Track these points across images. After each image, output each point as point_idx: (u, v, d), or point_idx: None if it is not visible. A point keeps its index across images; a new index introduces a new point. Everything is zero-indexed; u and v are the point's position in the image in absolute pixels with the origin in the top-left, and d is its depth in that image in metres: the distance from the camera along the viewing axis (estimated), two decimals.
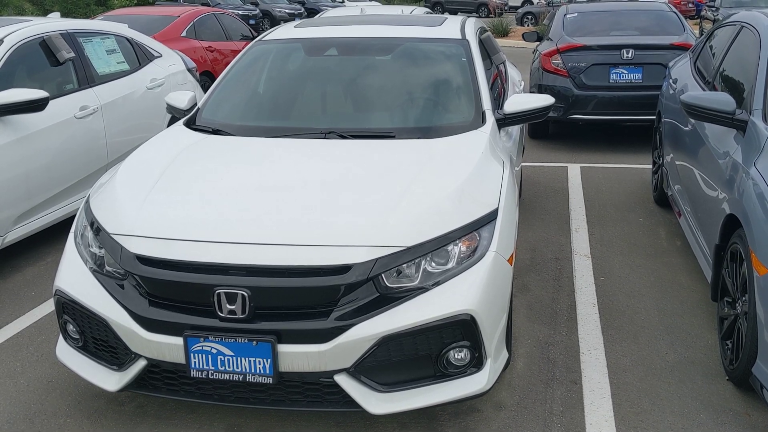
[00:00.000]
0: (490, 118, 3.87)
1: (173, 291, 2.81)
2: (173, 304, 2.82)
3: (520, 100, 4.02)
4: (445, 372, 2.86)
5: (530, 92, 8.44)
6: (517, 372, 3.53)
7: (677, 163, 5.06)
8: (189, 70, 7.15)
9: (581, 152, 7.88)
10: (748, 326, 3.10)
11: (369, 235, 2.82)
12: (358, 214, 2.91)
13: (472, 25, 4.76)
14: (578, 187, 6.62)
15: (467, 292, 2.82)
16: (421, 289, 2.80)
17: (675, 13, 8.44)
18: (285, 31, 4.68)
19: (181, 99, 4.28)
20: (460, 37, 4.41)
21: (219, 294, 2.72)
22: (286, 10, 30.93)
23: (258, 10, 29.05)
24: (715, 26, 5.55)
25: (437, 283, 2.82)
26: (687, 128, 4.79)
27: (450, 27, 4.57)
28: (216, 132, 3.87)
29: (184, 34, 9.68)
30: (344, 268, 2.74)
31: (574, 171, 7.16)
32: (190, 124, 4.04)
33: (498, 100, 4.46)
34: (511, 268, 3.11)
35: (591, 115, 7.89)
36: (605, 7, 8.75)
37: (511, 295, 3.18)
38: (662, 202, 5.85)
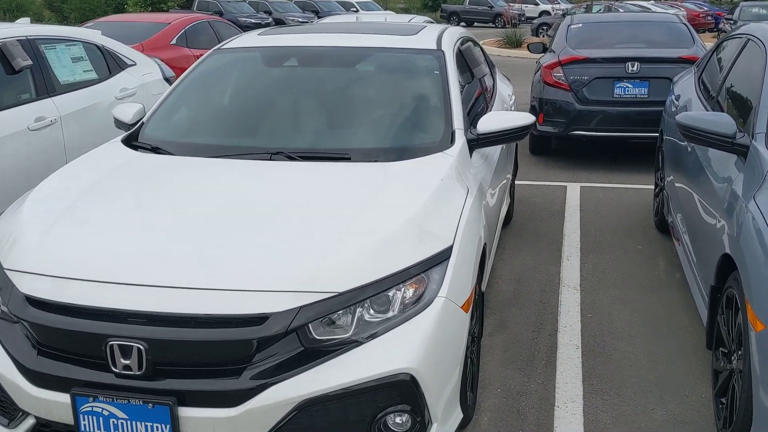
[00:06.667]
0: (460, 139, 3.45)
1: (63, 340, 2.42)
2: (64, 355, 2.43)
3: (495, 119, 3.60)
4: None
5: (530, 106, 8.02)
6: (481, 427, 3.10)
7: (677, 185, 4.61)
8: (167, 79, 6.79)
9: (583, 170, 7.43)
10: (743, 386, 2.66)
11: (293, 278, 2.41)
12: (285, 252, 2.50)
13: (451, 34, 4.35)
14: (576, 209, 6.17)
15: (408, 347, 2.40)
16: (353, 343, 2.39)
17: (685, 24, 7.98)
18: (247, 39, 4.29)
19: (127, 112, 3.91)
20: (434, 47, 4.00)
21: (112, 346, 2.33)
22: (299, 18, 30.75)
23: (271, 19, 28.89)
24: (722, 38, 5.10)
25: (373, 336, 2.41)
26: (688, 149, 4.35)
27: (425, 36, 4.16)
28: (155, 150, 3.49)
29: (174, 41, 9.34)
30: (260, 319, 2.33)
31: (574, 191, 6.71)
32: (131, 140, 3.66)
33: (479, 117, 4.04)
34: (467, 316, 2.69)
35: (594, 131, 7.43)
36: (612, 18, 8.33)
37: (467, 346, 2.76)
38: (663, 227, 5.39)
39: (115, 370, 2.34)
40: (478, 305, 3.20)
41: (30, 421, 2.50)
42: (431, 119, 3.60)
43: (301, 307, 2.34)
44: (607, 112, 7.32)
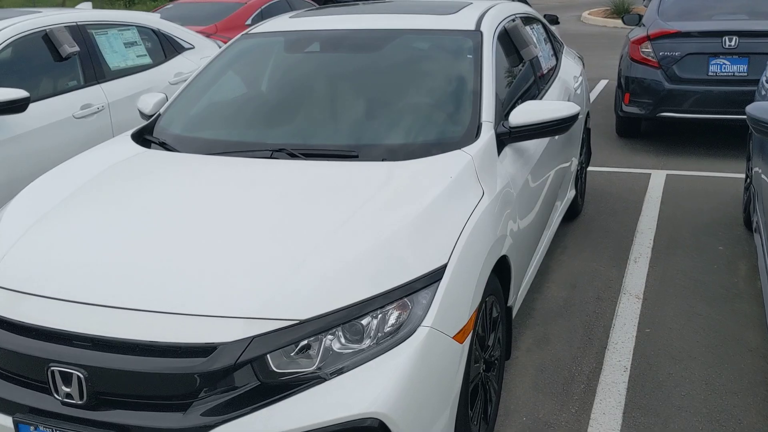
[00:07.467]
0: (487, 133, 3.05)
1: (10, 361, 2.25)
2: (13, 376, 2.26)
3: (531, 109, 3.17)
4: None
5: (617, 83, 7.38)
6: None
7: (763, 178, 4.00)
8: None
9: (672, 156, 6.77)
10: None
11: (249, 302, 2.12)
12: (245, 272, 2.21)
13: (497, 12, 3.89)
14: (656, 200, 5.59)
15: (379, 387, 2.08)
16: (316, 379, 2.09)
17: None
18: (276, 23, 4.01)
19: (148, 102, 3.74)
20: (472, 28, 3.58)
21: (53, 371, 2.13)
22: None
23: None
24: None
25: (340, 371, 2.10)
26: None
27: (465, 15, 3.74)
28: (163, 145, 3.28)
29: (249, 21, 9.21)
30: (207, 349, 2.06)
31: (658, 179, 6.10)
32: (144, 134, 3.48)
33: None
34: (461, 348, 2.32)
35: (684, 113, 6.74)
36: None
37: (465, 382, 2.40)
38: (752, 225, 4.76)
39: (57, 398, 2.15)
40: (498, 325, 2.83)
41: None
42: (456, 111, 3.20)
43: (254, 337, 2.06)
44: (700, 92, 6.62)
